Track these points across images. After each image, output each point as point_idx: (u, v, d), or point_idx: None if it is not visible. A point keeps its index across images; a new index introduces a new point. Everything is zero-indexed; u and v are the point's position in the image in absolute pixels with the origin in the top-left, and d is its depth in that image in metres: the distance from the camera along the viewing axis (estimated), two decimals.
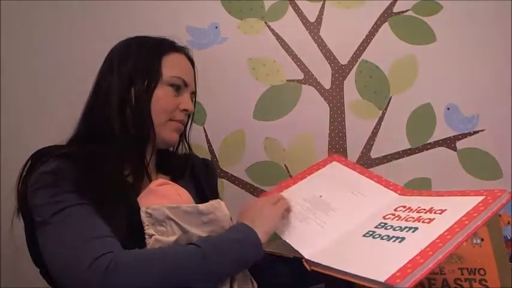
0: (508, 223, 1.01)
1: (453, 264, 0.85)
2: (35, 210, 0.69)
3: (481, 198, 0.66)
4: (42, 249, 0.68)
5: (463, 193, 0.71)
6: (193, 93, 0.92)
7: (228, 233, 0.73)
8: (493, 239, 0.83)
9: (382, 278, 0.56)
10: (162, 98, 0.82)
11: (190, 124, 0.95)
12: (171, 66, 0.85)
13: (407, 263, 0.57)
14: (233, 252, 0.70)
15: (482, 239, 0.84)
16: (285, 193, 0.87)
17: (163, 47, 0.86)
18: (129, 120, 0.80)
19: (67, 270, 0.63)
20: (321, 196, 0.86)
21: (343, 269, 0.64)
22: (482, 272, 0.83)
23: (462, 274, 0.84)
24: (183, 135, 0.95)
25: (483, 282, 0.82)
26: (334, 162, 0.96)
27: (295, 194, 0.87)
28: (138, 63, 0.82)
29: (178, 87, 0.85)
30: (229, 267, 0.70)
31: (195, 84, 0.93)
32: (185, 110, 0.86)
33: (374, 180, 0.89)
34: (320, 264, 0.70)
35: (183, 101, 0.86)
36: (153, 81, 0.82)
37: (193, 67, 0.93)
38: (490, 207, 0.63)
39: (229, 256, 0.69)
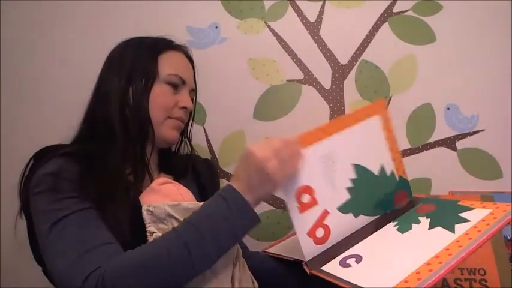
0: (508, 223, 1.01)
1: None
2: (35, 216, 0.69)
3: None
4: (43, 256, 0.68)
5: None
6: (193, 91, 0.92)
7: (216, 209, 0.65)
8: (493, 239, 0.83)
9: None
10: (159, 96, 0.82)
11: (191, 123, 0.95)
12: (168, 64, 0.85)
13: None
14: (223, 234, 0.64)
15: None
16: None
17: (160, 45, 0.87)
18: (128, 119, 0.80)
19: (63, 283, 0.63)
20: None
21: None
22: (482, 272, 0.82)
23: (462, 274, 0.84)
24: (184, 135, 0.95)
25: (483, 282, 0.82)
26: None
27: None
28: (135, 63, 0.83)
29: (176, 85, 0.85)
30: (219, 251, 0.65)
31: (195, 83, 0.93)
32: (184, 107, 0.86)
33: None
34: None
35: (182, 98, 0.86)
36: (150, 79, 0.82)
37: (193, 65, 0.93)
38: (496, 222, 0.63)
39: (218, 242, 0.64)
